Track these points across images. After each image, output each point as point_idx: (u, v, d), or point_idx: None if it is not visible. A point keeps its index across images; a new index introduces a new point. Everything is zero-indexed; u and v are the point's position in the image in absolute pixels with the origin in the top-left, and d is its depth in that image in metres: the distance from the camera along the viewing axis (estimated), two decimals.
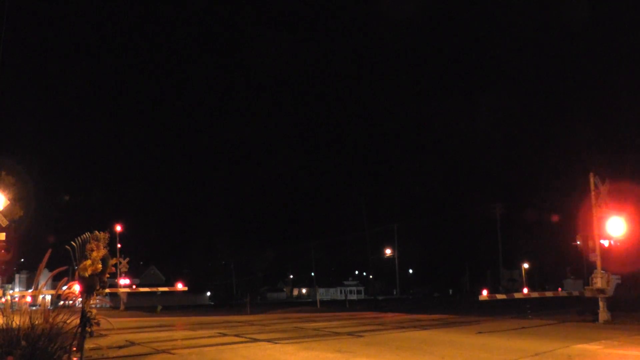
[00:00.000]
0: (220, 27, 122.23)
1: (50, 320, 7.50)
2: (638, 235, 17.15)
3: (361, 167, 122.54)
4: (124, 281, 32.54)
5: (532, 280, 63.91)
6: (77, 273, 7.61)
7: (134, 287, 36.73)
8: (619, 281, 18.00)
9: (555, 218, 57.74)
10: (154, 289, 41.89)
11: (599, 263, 16.94)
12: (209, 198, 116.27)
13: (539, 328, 14.61)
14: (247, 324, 16.94)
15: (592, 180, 17.05)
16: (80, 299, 7.68)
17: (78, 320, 7.54)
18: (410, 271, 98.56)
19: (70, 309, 7.78)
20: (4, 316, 7.57)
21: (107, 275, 7.85)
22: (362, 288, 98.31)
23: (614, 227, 16.79)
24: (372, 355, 9.30)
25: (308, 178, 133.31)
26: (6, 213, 14.54)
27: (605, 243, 17.04)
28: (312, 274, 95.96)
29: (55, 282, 9.58)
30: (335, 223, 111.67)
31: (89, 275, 7.53)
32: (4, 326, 7.44)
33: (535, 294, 22.48)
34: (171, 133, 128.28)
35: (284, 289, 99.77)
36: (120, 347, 10.33)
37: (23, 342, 7.16)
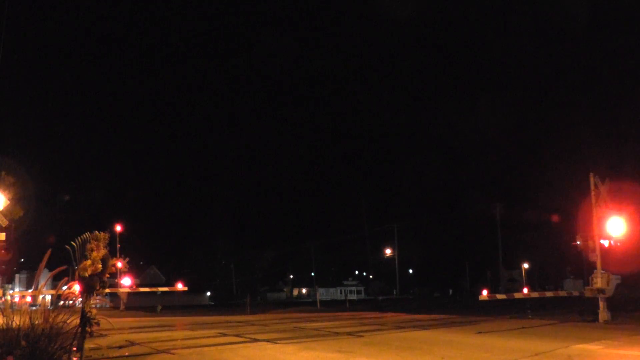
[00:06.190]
0: (219, 27, 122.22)
1: (50, 320, 7.50)
2: (638, 235, 17.16)
3: (361, 167, 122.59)
4: (125, 281, 32.53)
5: (532, 280, 63.91)
6: (77, 273, 7.61)
7: (134, 287, 36.70)
8: (619, 281, 18.01)
9: (555, 218, 57.82)
10: (154, 289, 41.87)
11: (599, 263, 16.94)
12: (209, 198, 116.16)
13: (539, 328, 14.61)
14: (247, 324, 16.94)
15: (592, 180, 17.05)
16: (80, 299, 7.68)
17: (78, 320, 7.54)
18: (410, 271, 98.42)
19: (70, 309, 7.78)
20: (4, 316, 7.57)
21: (107, 275, 7.85)
22: (362, 288, 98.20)
23: (614, 227, 16.79)
24: (372, 355, 9.30)
25: (308, 178, 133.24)
26: (6, 213, 14.54)
27: (605, 243, 17.05)
28: (312, 274, 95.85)
29: (55, 282, 9.59)
30: (335, 223, 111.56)
31: (89, 275, 7.53)
32: (4, 326, 7.44)
33: (535, 294, 22.48)
34: (171, 133, 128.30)
35: (284, 289, 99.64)
36: (120, 347, 10.33)
37: (23, 342, 7.16)
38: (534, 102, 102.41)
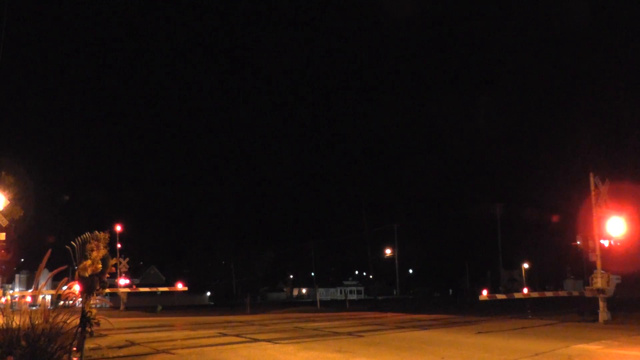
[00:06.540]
0: (219, 27, 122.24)
1: (50, 320, 7.49)
2: (638, 235, 17.17)
3: (361, 167, 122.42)
4: (124, 281, 32.54)
5: (532, 280, 63.89)
6: (77, 273, 7.60)
7: (133, 287, 36.73)
8: (619, 281, 18.03)
9: (555, 218, 57.81)
10: (154, 289, 41.89)
11: (599, 263, 16.94)
12: (209, 198, 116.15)
13: (539, 328, 14.61)
14: (247, 324, 16.94)
15: (592, 180, 17.06)
16: (80, 299, 7.68)
17: (78, 320, 7.53)
18: (410, 271, 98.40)
19: (70, 309, 7.77)
20: (4, 316, 7.57)
21: (107, 275, 7.85)
22: (362, 288, 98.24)
23: (614, 227, 16.79)
24: (372, 355, 9.30)
25: (308, 178, 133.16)
26: (6, 213, 14.55)
27: (605, 243, 17.05)
28: (312, 274, 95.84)
29: (55, 282, 9.58)
30: (335, 223, 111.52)
31: (89, 275, 7.53)
32: (4, 326, 7.44)
33: (535, 294, 22.47)
34: (171, 133, 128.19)
35: (284, 289, 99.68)
36: (120, 347, 10.33)
37: (23, 342, 7.16)
38: (534, 102, 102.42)
